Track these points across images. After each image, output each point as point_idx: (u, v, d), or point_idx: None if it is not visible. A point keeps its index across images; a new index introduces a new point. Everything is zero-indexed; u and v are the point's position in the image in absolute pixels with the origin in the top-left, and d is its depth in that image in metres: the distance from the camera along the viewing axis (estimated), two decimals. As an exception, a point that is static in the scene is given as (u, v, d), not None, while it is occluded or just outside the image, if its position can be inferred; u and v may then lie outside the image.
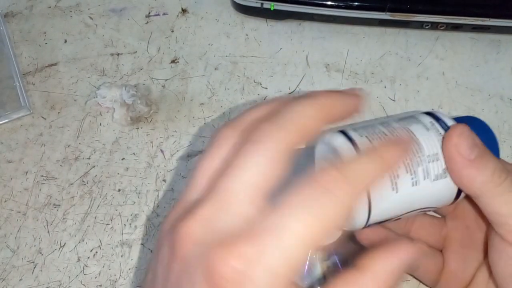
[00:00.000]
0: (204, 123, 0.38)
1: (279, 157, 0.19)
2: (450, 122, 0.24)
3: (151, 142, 0.37)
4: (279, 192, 0.19)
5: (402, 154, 0.21)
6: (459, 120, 0.25)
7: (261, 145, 0.19)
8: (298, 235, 0.17)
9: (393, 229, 0.28)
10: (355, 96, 0.22)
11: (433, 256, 0.29)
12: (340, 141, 0.23)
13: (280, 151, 0.19)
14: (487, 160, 0.23)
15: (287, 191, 0.18)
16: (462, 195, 0.24)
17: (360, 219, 0.23)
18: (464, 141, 0.23)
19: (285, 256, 0.17)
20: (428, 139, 0.23)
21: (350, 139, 0.23)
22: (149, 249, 0.34)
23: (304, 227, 0.17)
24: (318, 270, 0.29)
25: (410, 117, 0.25)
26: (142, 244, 0.34)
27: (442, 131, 0.24)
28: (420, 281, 0.31)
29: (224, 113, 0.38)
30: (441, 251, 0.29)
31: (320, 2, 0.39)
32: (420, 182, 0.23)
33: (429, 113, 0.25)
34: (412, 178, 0.23)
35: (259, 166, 0.18)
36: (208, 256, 0.17)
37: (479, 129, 0.25)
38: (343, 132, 0.24)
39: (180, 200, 0.21)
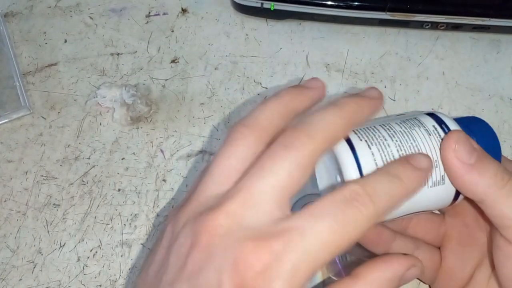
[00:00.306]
0: (204, 123, 0.38)
1: (307, 165, 0.20)
2: (452, 126, 0.24)
3: (151, 142, 0.37)
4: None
5: (422, 181, 0.22)
6: (461, 120, 0.25)
7: (292, 152, 0.20)
8: (323, 239, 0.18)
9: (390, 226, 0.28)
10: (377, 99, 0.23)
11: (430, 253, 0.29)
12: (339, 146, 0.23)
13: (308, 159, 0.20)
14: (487, 163, 0.23)
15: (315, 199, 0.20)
16: (460, 197, 0.24)
17: None
18: (462, 146, 0.23)
19: (309, 256, 0.18)
20: (429, 145, 0.23)
21: (350, 143, 0.23)
22: (149, 249, 0.34)
23: (329, 233, 0.18)
24: (319, 277, 0.30)
25: (412, 119, 0.24)
26: (142, 244, 0.34)
27: (444, 136, 0.23)
28: (418, 279, 0.31)
29: (224, 113, 0.38)
30: (439, 248, 0.29)
31: (320, 2, 0.39)
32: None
33: (432, 115, 0.25)
34: None
35: (288, 171, 0.20)
36: (239, 248, 0.18)
37: (481, 130, 0.25)
38: None
39: (196, 194, 0.21)
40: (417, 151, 0.23)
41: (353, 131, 0.23)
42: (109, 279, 0.33)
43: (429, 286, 0.31)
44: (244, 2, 0.41)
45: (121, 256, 0.33)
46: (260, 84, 0.40)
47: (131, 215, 0.35)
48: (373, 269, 0.20)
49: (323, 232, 0.18)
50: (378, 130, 0.23)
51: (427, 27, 0.40)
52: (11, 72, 0.40)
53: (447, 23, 0.40)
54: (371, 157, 0.22)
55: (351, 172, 0.22)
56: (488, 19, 0.39)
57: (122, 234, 0.34)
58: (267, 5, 0.40)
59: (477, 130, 0.25)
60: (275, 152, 0.20)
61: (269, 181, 0.20)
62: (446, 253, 0.28)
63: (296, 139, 0.20)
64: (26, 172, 0.36)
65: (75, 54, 0.41)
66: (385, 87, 0.39)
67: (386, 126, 0.24)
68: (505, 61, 0.40)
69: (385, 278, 0.20)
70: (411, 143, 0.23)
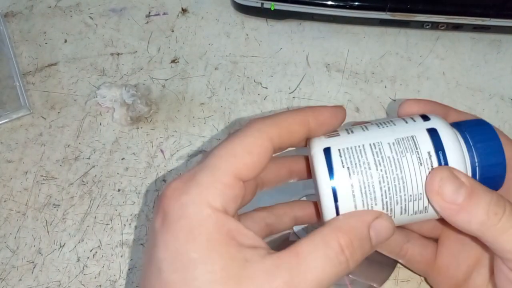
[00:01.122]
0: (204, 123, 0.38)
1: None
2: (451, 154, 0.22)
3: (151, 142, 0.37)
4: None
5: (327, 114, 0.23)
6: (466, 124, 0.24)
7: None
8: (217, 154, 0.21)
9: None
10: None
11: (422, 246, 0.28)
12: (320, 170, 0.22)
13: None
14: (477, 199, 0.21)
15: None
16: None
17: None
18: (447, 186, 0.21)
19: (207, 171, 0.21)
20: (416, 178, 0.22)
21: (331, 168, 0.22)
22: (149, 249, 0.34)
23: (222, 148, 0.21)
24: None
25: (408, 140, 0.22)
26: (141, 244, 0.34)
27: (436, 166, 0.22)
28: (413, 271, 0.30)
29: (224, 113, 0.38)
30: (437, 241, 0.29)
31: (321, 2, 0.39)
32: (396, 216, 0.23)
33: (432, 133, 0.22)
34: (388, 214, 0.22)
35: (234, 144, 0.22)
36: (162, 191, 0.21)
37: (484, 135, 0.23)
38: (328, 152, 0.22)
39: None
40: (401, 184, 0.22)
41: (340, 150, 0.22)
42: (109, 279, 0.33)
43: (425, 279, 0.30)
44: (244, 2, 0.41)
45: (121, 256, 0.33)
46: (260, 84, 0.40)
47: (131, 215, 0.35)
48: (340, 218, 0.22)
49: (217, 151, 0.21)
50: (365, 153, 0.22)
51: (427, 27, 0.40)
52: (11, 72, 0.40)
53: (448, 23, 0.40)
54: (349, 190, 0.22)
55: (328, 213, 0.22)
56: (488, 19, 0.39)
57: (122, 234, 0.34)
58: (267, 5, 0.40)
59: (479, 136, 0.23)
60: (231, 133, 0.23)
61: (215, 151, 0.22)
62: (442, 248, 0.28)
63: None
64: (26, 172, 0.36)
65: (75, 54, 0.41)
66: (385, 87, 0.39)
67: (376, 148, 0.22)
68: (506, 61, 0.40)
69: (351, 224, 0.21)
70: (396, 175, 0.22)
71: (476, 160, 0.23)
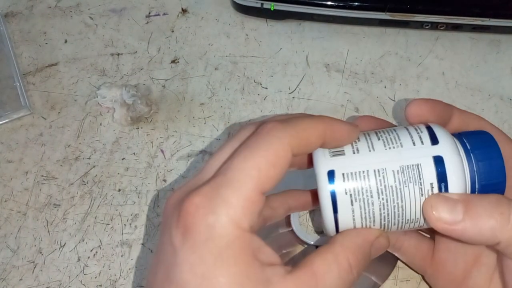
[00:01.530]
0: (204, 123, 0.38)
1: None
2: (453, 186, 0.22)
3: (151, 142, 0.37)
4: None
5: (345, 132, 0.23)
6: (468, 136, 0.24)
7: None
8: (241, 168, 0.20)
9: None
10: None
11: (418, 241, 0.28)
12: (323, 194, 0.23)
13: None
14: (477, 208, 0.21)
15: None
16: None
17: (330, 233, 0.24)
18: (441, 209, 0.22)
19: (233, 186, 0.20)
20: (416, 205, 0.22)
21: (333, 193, 0.22)
22: (149, 249, 0.34)
23: (245, 161, 0.20)
24: None
25: (413, 168, 0.22)
26: (142, 244, 0.34)
27: None
28: (412, 269, 0.30)
29: (224, 113, 0.38)
30: (433, 238, 0.29)
31: (320, 2, 0.39)
32: (390, 230, 0.24)
33: (438, 162, 0.22)
34: (384, 230, 0.23)
35: (255, 151, 0.21)
36: (180, 204, 0.20)
37: (488, 153, 0.23)
38: (332, 176, 0.22)
39: None
40: (400, 212, 0.22)
41: (343, 174, 0.22)
42: (110, 279, 0.33)
43: (423, 277, 0.30)
44: (244, 2, 0.41)
45: (122, 256, 0.33)
46: (260, 84, 0.40)
47: (131, 215, 0.35)
48: (347, 236, 0.23)
49: (239, 163, 0.20)
50: (369, 180, 0.22)
51: (427, 27, 0.40)
52: (11, 72, 0.40)
53: (447, 23, 0.40)
54: (350, 215, 0.22)
55: (329, 228, 0.23)
56: (487, 19, 0.39)
57: (122, 234, 0.34)
58: (267, 5, 0.40)
59: (481, 155, 0.23)
60: (248, 139, 0.22)
61: (216, 157, 0.22)
62: (439, 244, 0.28)
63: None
64: (27, 172, 0.36)
65: (75, 54, 0.41)
66: (385, 87, 0.39)
67: (380, 175, 0.22)
68: (505, 61, 0.40)
69: (358, 243, 0.22)
70: (397, 203, 0.22)
71: (476, 179, 0.23)
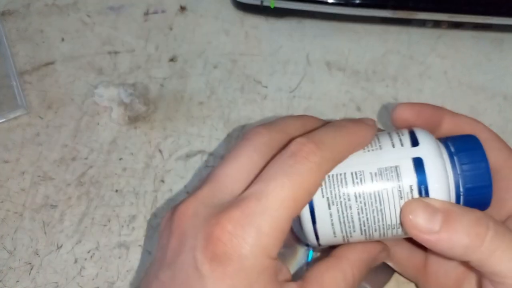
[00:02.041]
0: (203, 123, 0.38)
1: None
2: (433, 188, 0.21)
3: (149, 142, 0.37)
4: None
5: (369, 132, 0.23)
6: (453, 139, 0.24)
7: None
8: (278, 197, 0.20)
9: None
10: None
11: (410, 251, 0.28)
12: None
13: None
14: (455, 223, 0.21)
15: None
16: None
17: (311, 241, 0.24)
18: (419, 216, 0.21)
19: (269, 216, 0.20)
20: (396, 209, 0.22)
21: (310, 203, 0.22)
22: (147, 250, 0.33)
23: (282, 189, 0.20)
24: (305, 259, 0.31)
25: (391, 171, 0.22)
26: (140, 245, 0.33)
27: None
28: (403, 276, 0.30)
29: (223, 112, 0.38)
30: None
31: (321, 0, 0.39)
32: (373, 238, 0.23)
33: (418, 163, 0.22)
34: (366, 238, 0.23)
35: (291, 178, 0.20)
36: (206, 225, 0.20)
37: (473, 156, 0.23)
38: None
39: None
40: (380, 216, 0.22)
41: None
42: (107, 281, 0.32)
43: (416, 286, 0.30)
44: (244, 0, 0.40)
45: (119, 257, 0.33)
46: (260, 83, 0.39)
47: (129, 216, 0.34)
48: (353, 251, 0.23)
49: (276, 191, 0.20)
50: (346, 183, 0.22)
51: (429, 25, 0.40)
52: (8, 71, 0.40)
53: (449, 22, 0.39)
54: (328, 219, 0.22)
55: (309, 236, 0.23)
56: (490, 17, 0.38)
57: (120, 235, 0.34)
58: (267, 2, 0.40)
59: (467, 160, 0.23)
60: (281, 159, 0.21)
61: (233, 166, 0.22)
62: (431, 256, 0.27)
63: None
64: (23, 173, 0.36)
65: (72, 52, 0.41)
66: (387, 86, 0.39)
67: (357, 178, 0.22)
68: (508, 60, 0.40)
69: (363, 258, 0.23)
70: (376, 207, 0.22)
71: (460, 183, 0.22)
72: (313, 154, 0.20)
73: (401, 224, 0.22)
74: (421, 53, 0.40)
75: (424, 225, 0.21)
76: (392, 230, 0.22)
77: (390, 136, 0.23)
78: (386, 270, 0.31)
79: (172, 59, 0.40)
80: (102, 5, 0.43)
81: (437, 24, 0.40)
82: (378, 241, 0.24)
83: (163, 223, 0.23)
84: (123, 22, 0.42)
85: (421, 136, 0.23)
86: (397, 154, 0.22)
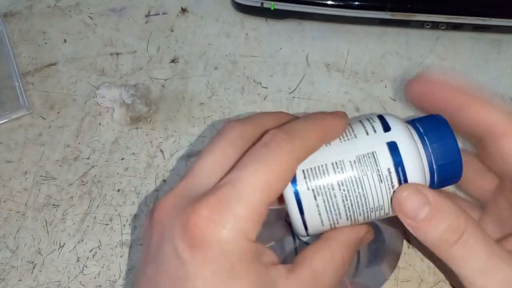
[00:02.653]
0: (204, 123, 0.38)
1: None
2: (410, 171, 0.23)
3: (151, 142, 0.37)
4: None
5: (340, 122, 0.23)
6: (421, 121, 0.24)
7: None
8: (252, 182, 0.20)
9: None
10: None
11: (483, 174, 0.27)
12: (287, 191, 0.23)
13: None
14: (437, 221, 0.22)
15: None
16: None
17: (300, 232, 0.24)
18: (410, 204, 0.22)
19: (244, 200, 0.20)
20: (377, 194, 0.23)
21: (296, 190, 0.23)
22: (148, 249, 0.34)
23: (256, 174, 0.20)
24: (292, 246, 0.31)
25: (369, 157, 0.23)
26: (141, 244, 0.34)
27: (396, 184, 0.23)
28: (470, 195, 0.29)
29: (224, 113, 0.38)
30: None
31: (321, 2, 0.39)
32: (358, 222, 0.24)
33: (392, 147, 0.23)
34: (351, 223, 0.24)
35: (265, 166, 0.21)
36: (183, 215, 0.20)
37: (441, 134, 0.24)
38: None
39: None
40: (363, 200, 0.23)
41: (303, 171, 0.23)
42: (109, 280, 0.33)
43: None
44: (244, 2, 0.41)
45: (121, 256, 0.33)
46: (260, 84, 0.39)
47: (130, 215, 0.35)
48: (341, 232, 0.24)
49: (250, 176, 0.20)
50: (329, 174, 0.23)
51: (427, 26, 0.40)
52: (10, 72, 0.40)
53: (448, 23, 0.40)
54: (315, 209, 0.23)
55: (298, 227, 0.24)
56: (488, 18, 0.39)
57: (121, 234, 0.34)
58: (267, 4, 0.40)
59: (436, 138, 0.24)
60: (255, 149, 0.21)
61: (208, 158, 0.22)
62: (504, 183, 0.26)
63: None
64: (26, 173, 0.36)
65: (74, 54, 0.41)
66: (385, 87, 0.39)
67: (338, 167, 0.23)
68: (506, 61, 0.40)
69: (351, 239, 0.24)
70: (358, 193, 0.23)
71: (433, 161, 0.24)
72: (285, 142, 0.21)
73: (391, 201, 0.23)
74: (419, 55, 0.40)
75: (410, 210, 0.22)
76: (375, 212, 0.23)
77: (363, 124, 0.24)
78: (385, 270, 0.31)
79: (173, 60, 0.41)
80: (104, 7, 0.43)
81: (435, 25, 0.40)
82: (363, 224, 0.24)
83: (145, 222, 0.23)
84: (124, 24, 0.43)
85: (391, 121, 0.24)
86: (371, 140, 0.23)
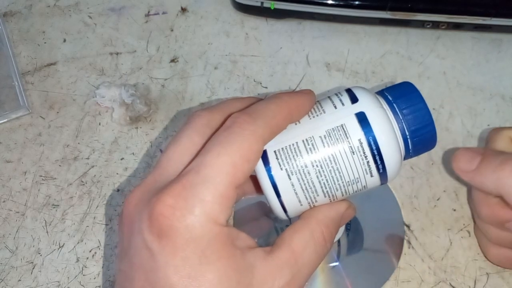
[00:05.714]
0: (204, 123, 0.38)
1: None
2: (381, 137, 0.22)
3: (150, 141, 0.37)
4: None
5: (305, 99, 0.23)
6: (389, 89, 0.24)
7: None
8: (216, 165, 0.20)
9: None
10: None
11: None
12: (261, 173, 0.23)
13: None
14: (488, 160, 0.26)
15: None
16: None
17: (280, 215, 0.24)
18: (462, 159, 0.28)
19: (209, 184, 0.20)
20: (350, 165, 0.23)
21: (269, 171, 0.22)
22: (148, 249, 0.33)
23: (219, 157, 0.20)
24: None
25: (339, 130, 0.23)
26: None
27: (368, 155, 0.22)
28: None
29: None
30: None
31: (321, 1, 0.39)
32: (337, 198, 0.24)
33: (361, 117, 0.23)
34: (330, 199, 0.24)
35: (230, 150, 0.21)
36: (149, 205, 0.20)
37: (411, 100, 0.24)
38: (265, 155, 0.23)
39: None
40: (338, 175, 0.23)
41: (275, 152, 0.23)
42: (108, 280, 0.33)
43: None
44: (244, 1, 0.41)
45: (120, 256, 0.33)
46: (260, 83, 0.39)
47: (130, 215, 0.35)
48: (320, 210, 0.23)
49: (213, 160, 0.20)
50: (300, 151, 0.23)
51: (428, 26, 0.40)
52: (10, 72, 0.40)
53: (448, 23, 0.40)
54: (290, 189, 0.23)
55: (276, 209, 0.23)
56: (489, 18, 0.39)
57: (121, 234, 0.34)
58: (267, 4, 0.40)
59: (406, 105, 0.24)
60: (217, 134, 0.21)
61: (175, 149, 0.22)
62: None
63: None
64: (25, 172, 0.36)
65: (74, 53, 0.41)
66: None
67: (309, 144, 0.23)
68: (507, 60, 0.40)
69: (331, 215, 0.23)
70: (332, 167, 0.22)
71: (405, 127, 0.24)
72: (247, 123, 0.21)
73: (453, 166, 0.27)
74: (420, 54, 0.40)
75: (464, 165, 0.27)
76: (352, 186, 0.23)
77: (331, 99, 0.24)
78: (383, 270, 0.31)
79: (173, 60, 0.41)
80: (103, 7, 0.43)
81: (436, 25, 0.40)
82: (344, 200, 0.24)
83: (118, 220, 0.23)
84: (124, 23, 0.42)
85: (358, 92, 0.24)
86: (340, 113, 0.23)
